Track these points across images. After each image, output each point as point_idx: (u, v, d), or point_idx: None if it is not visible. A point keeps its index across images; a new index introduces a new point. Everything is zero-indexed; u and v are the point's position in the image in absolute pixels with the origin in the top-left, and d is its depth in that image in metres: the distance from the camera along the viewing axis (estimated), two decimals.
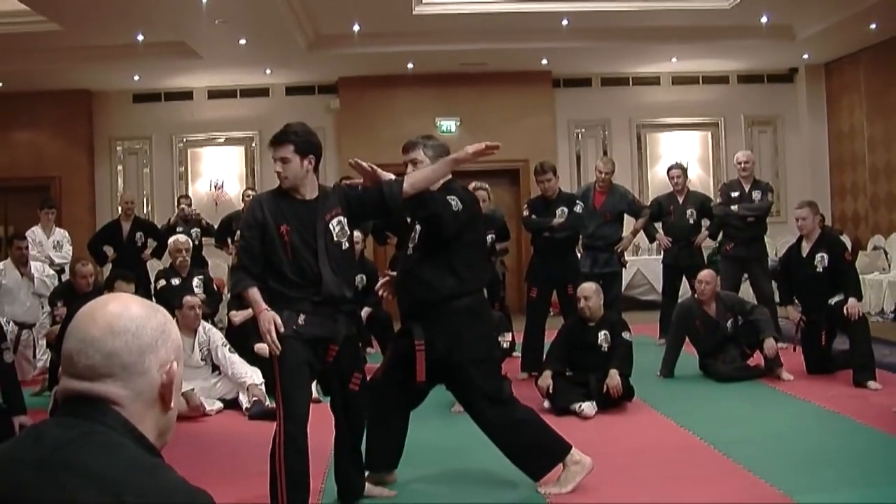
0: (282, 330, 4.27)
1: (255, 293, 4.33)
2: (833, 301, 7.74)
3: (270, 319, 4.26)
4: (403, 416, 5.10)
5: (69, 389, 1.59)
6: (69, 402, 1.59)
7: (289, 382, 4.32)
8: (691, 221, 10.06)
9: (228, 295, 10.11)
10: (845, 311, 7.53)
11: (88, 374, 1.58)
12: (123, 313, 1.62)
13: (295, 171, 4.54)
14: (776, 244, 9.89)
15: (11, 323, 8.92)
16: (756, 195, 9.65)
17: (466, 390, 4.94)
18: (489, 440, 5.00)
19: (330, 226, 4.51)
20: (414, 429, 5.14)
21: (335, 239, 4.51)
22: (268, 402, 7.30)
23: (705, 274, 8.26)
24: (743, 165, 9.76)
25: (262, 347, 7.70)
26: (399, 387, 4.99)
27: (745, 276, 10.02)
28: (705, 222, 10.19)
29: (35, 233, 10.60)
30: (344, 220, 4.58)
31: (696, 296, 8.32)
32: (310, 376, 4.52)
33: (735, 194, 9.72)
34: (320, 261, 4.41)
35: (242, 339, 8.00)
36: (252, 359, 7.71)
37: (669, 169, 10.48)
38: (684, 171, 10.39)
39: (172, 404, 1.69)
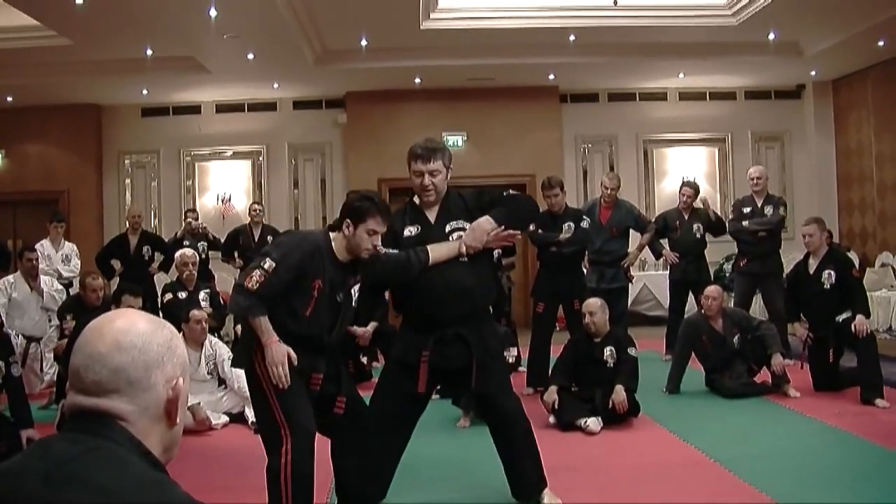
0: (294, 363, 4.17)
1: (266, 322, 4.19)
2: (840, 318, 7.72)
3: (284, 353, 4.14)
4: (405, 439, 5.04)
5: (76, 405, 1.61)
6: (76, 418, 1.60)
7: (291, 401, 4.20)
8: (698, 236, 10.05)
9: None
10: (853, 328, 7.50)
11: (95, 390, 1.59)
12: (130, 329, 1.64)
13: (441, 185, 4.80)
14: (784, 260, 9.87)
15: (20, 336, 8.94)
16: (768, 210, 9.64)
17: (496, 382, 4.90)
18: (495, 452, 4.99)
19: (352, 292, 4.56)
20: (420, 443, 5.12)
21: (352, 304, 4.57)
22: None
23: (712, 289, 8.26)
24: (755, 181, 9.75)
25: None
26: (404, 407, 4.95)
27: (757, 291, 10.01)
28: (709, 237, 10.20)
29: (44, 246, 10.63)
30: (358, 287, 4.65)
31: (702, 311, 8.31)
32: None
33: (747, 210, 9.71)
34: (333, 321, 4.41)
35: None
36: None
37: (682, 185, 10.49)
38: (696, 191, 10.32)
39: (178, 419, 1.70)
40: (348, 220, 4.30)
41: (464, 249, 4.70)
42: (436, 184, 4.81)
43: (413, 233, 4.87)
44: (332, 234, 4.42)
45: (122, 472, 1.50)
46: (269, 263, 4.16)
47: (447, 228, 4.78)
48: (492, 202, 4.87)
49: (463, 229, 4.73)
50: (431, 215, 4.89)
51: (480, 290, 4.86)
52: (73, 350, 1.66)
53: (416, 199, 4.98)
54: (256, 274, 4.15)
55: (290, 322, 4.27)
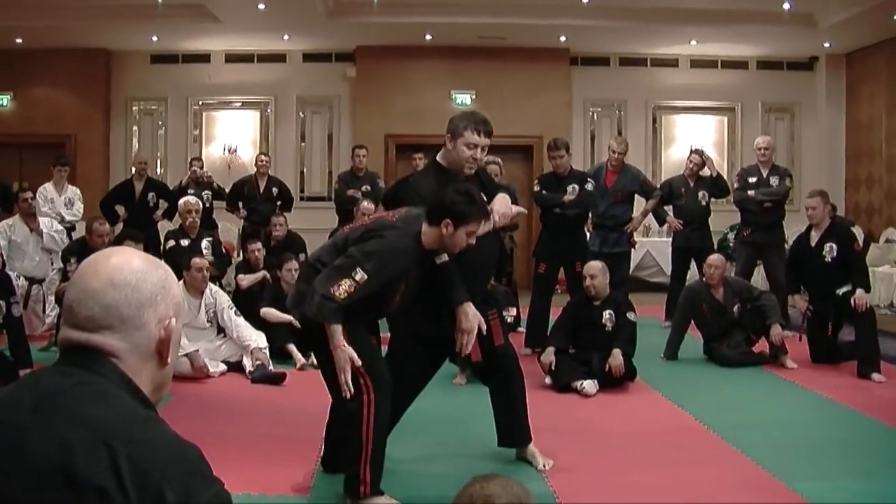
0: (358, 364, 4.14)
1: (339, 329, 4.10)
2: (841, 291, 7.72)
3: (348, 358, 4.09)
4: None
5: (68, 339, 1.61)
6: (68, 352, 1.61)
7: (369, 355, 4.22)
8: (703, 204, 10.02)
9: (238, 258, 10.18)
10: (852, 301, 7.50)
11: (87, 325, 1.59)
12: (124, 267, 1.63)
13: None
14: (787, 233, 9.86)
15: (22, 278, 8.96)
16: (774, 181, 9.60)
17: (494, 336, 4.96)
18: (490, 410, 5.02)
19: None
20: (416, 400, 5.14)
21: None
22: (271, 367, 7.34)
23: (714, 258, 8.25)
24: (762, 151, 9.71)
25: (267, 312, 7.78)
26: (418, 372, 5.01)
27: (760, 262, 10.01)
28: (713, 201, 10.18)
29: (47, 189, 10.62)
30: None
31: (703, 279, 8.31)
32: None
33: (753, 179, 9.67)
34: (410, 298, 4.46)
35: (249, 303, 8.04)
36: (258, 323, 7.75)
37: (691, 152, 10.46)
38: (703, 160, 10.27)
39: (170, 360, 1.69)
40: (449, 221, 4.23)
41: (497, 218, 4.71)
42: (479, 159, 4.86)
43: None
44: (424, 228, 4.32)
45: (111, 407, 1.51)
46: (360, 275, 4.06)
47: None
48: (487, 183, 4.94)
49: None
50: None
51: (493, 263, 4.93)
52: (68, 285, 1.66)
53: (443, 162, 4.96)
54: (346, 284, 4.05)
55: (370, 308, 4.31)
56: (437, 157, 5.01)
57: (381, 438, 4.27)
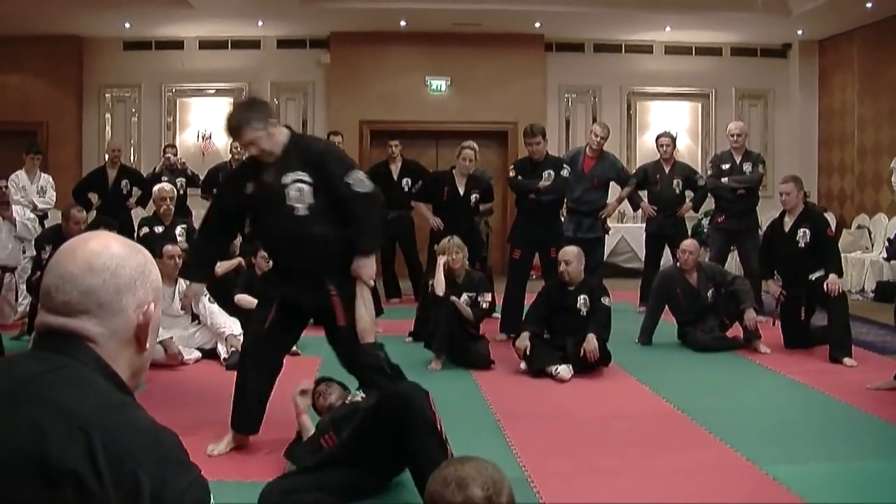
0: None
1: None
2: (814, 276, 7.77)
3: None
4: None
5: (45, 324, 1.60)
6: (44, 337, 1.61)
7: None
8: (677, 191, 10.05)
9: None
10: (825, 286, 7.55)
11: (65, 310, 1.59)
12: (103, 252, 1.62)
13: None
14: (762, 218, 9.92)
15: None
16: (747, 167, 9.64)
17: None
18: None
19: None
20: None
21: None
22: None
23: (688, 243, 8.30)
24: (735, 137, 9.74)
25: (242, 298, 7.77)
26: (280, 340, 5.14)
27: (734, 248, 10.07)
28: (689, 194, 10.19)
29: (19, 177, 10.54)
30: None
31: (678, 265, 8.36)
32: None
33: (726, 166, 9.70)
34: None
35: (224, 289, 8.01)
36: (232, 310, 7.74)
37: (659, 137, 10.46)
38: (673, 140, 10.39)
39: (148, 345, 1.69)
40: None
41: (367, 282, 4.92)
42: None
43: None
44: None
45: (86, 392, 1.51)
46: None
47: None
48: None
49: None
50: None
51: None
52: (45, 269, 1.65)
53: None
54: None
55: None
56: None
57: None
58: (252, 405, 5.02)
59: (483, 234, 10.24)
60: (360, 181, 4.74)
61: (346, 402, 4.80)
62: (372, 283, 4.84)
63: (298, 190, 4.72)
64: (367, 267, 4.78)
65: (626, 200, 10.33)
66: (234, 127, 4.84)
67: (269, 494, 4.04)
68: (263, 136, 4.76)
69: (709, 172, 10.04)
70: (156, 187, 9.33)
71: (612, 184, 9.92)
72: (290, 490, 4.11)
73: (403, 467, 4.30)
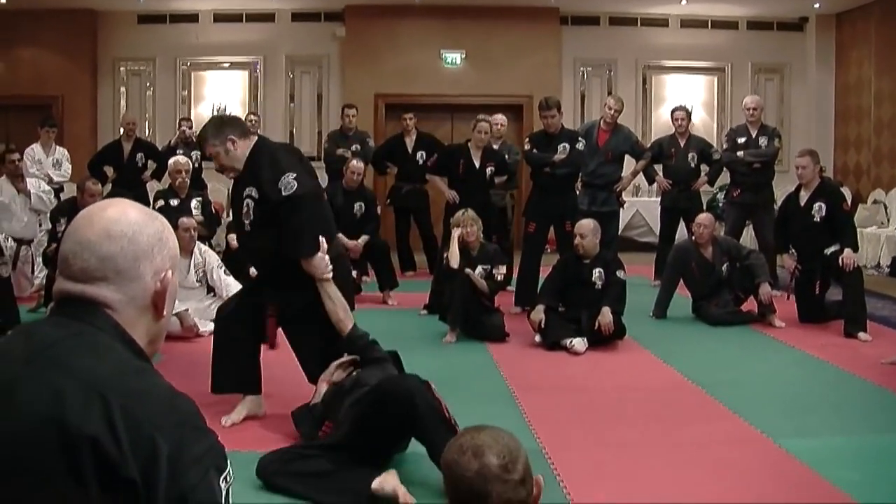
0: None
1: None
2: (829, 251, 7.75)
3: None
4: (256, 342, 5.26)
5: (63, 290, 1.61)
6: (62, 303, 1.61)
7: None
8: (692, 165, 10.01)
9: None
10: (840, 261, 7.54)
11: (83, 277, 1.59)
12: (121, 218, 1.63)
13: None
14: (777, 192, 9.88)
15: (10, 239, 8.93)
16: (762, 141, 9.59)
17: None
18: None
19: None
20: (405, 358, 5.09)
21: None
22: None
23: (703, 217, 8.27)
24: (751, 111, 9.68)
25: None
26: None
27: (749, 222, 10.04)
28: (704, 168, 10.16)
29: (35, 150, 10.57)
30: None
31: (693, 238, 8.34)
32: None
33: (741, 140, 9.66)
34: None
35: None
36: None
37: (674, 111, 10.41)
38: (688, 113, 10.34)
39: (165, 312, 1.69)
40: None
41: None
42: None
43: None
44: None
45: (104, 358, 1.52)
46: None
47: None
48: None
49: None
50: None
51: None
52: (63, 237, 1.66)
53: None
54: None
55: None
56: None
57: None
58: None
59: (509, 206, 10.25)
60: (287, 184, 4.65)
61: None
62: (329, 276, 4.77)
63: (247, 206, 4.82)
64: (314, 267, 4.74)
65: (640, 174, 10.29)
66: (198, 141, 5.03)
67: (269, 463, 4.15)
68: (220, 151, 4.82)
69: (724, 146, 10.00)
70: (171, 160, 9.35)
71: (626, 157, 9.87)
72: (290, 459, 4.20)
73: (404, 448, 4.37)
